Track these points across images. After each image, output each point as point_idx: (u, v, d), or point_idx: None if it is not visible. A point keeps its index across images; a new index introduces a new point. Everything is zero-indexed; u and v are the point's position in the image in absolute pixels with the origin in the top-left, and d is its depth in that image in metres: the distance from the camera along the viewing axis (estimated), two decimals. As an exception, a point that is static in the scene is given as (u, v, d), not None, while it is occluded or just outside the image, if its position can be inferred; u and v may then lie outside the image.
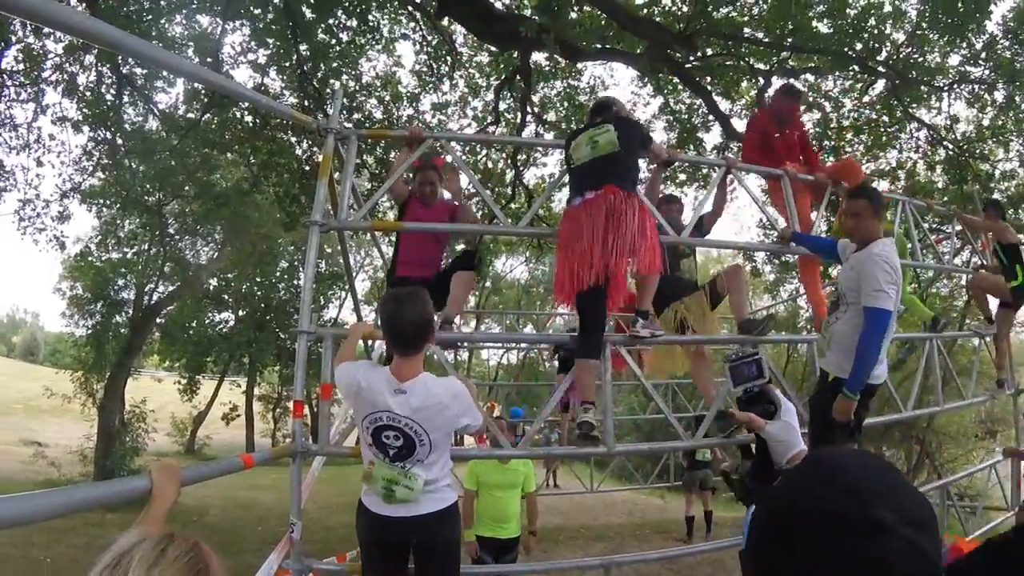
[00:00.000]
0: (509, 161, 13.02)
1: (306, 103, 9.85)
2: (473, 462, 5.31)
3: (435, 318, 3.09)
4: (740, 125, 11.74)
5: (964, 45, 9.33)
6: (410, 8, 11.24)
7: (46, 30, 9.04)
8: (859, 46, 9.29)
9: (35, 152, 11.59)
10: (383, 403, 2.77)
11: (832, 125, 11.59)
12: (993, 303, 6.43)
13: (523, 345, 18.46)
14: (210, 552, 1.29)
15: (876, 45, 9.43)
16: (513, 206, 12.80)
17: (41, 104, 11.12)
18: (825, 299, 5.34)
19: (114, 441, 14.14)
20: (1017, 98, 9.86)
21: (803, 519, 0.77)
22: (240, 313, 23.73)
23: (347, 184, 4.06)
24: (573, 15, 9.56)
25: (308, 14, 9.60)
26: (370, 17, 10.38)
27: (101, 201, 15.60)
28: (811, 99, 12.01)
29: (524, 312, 27.44)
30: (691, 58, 10.32)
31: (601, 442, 3.77)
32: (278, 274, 23.40)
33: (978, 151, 10.86)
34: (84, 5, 8.38)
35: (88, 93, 11.01)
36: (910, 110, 10.71)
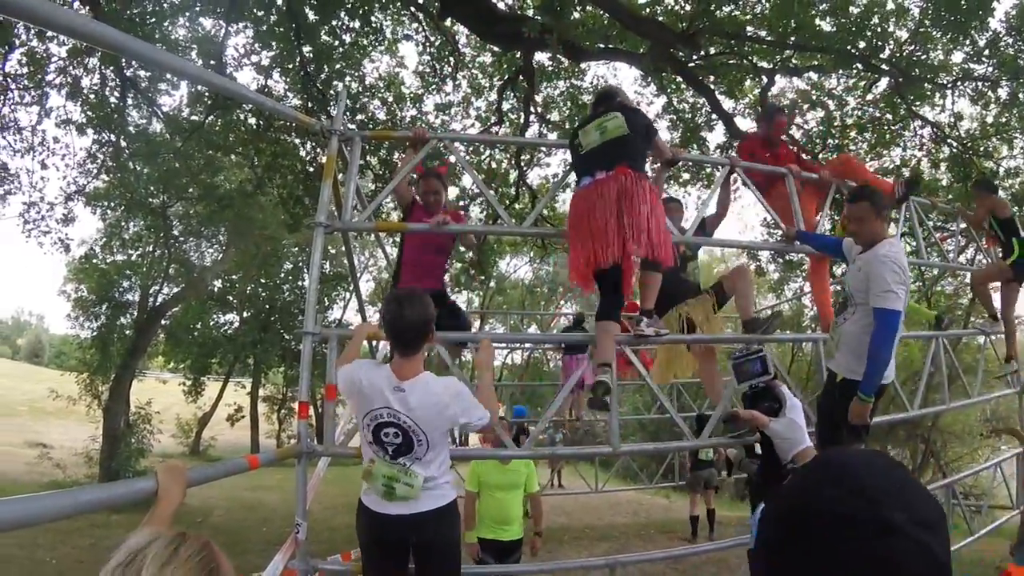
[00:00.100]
0: (513, 161, 13.02)
1: (309, 105, 9.87)
2: (474, 463, 5.31)
3: (434, 317, 3.07)
4: (744, 124, 11.74)
5: (967, 42, 9.30)
6: (413, 9, 11.25)
7: (49, 33, 9.06)
8: (862, 44, 9.27)
9: (39, 155, 11.61)
10: (383, 400, 2.81)
11: (836, 123, 11.57)
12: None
13: (527, 345, 18.43)
14: (220, 552, 1.30)
15: (879, 43, 9.41)
16: (517, 206, 12.79)
17: (45, 107, 11.15)
18: (830, 297, 5.32)
19: (119, 443, 14.15)
20: (1021, 95, 9.82)
21: (813, 519, 0.77)
22: (245, 314, 23.77)
23: (351, 185, 4.07)
24: (576, 15, 9.55)
25: (311, 16, 9.61)
26: (373, 18, 10.39)
27: (105, 203, 15.64)
28: (811, 99, 12.01)
29: (528, 312, 27.46)
30: (694, 57, 10.31)
31: (605, 439, 3.76)
32: (282, 275, 23.42)
33: (982, 148, 10.83)
34: (87, 8, 8.41)
35: (92, 96, 11.04)
36: (913, 108, 10.68)
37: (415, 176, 4.72)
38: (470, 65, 12.72)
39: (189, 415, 23.50)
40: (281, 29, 9.47)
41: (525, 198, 13.17)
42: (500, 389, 19.53)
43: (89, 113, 11.11)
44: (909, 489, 0.78)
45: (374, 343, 4.97)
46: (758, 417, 3.66)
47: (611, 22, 9.49)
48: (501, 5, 10.25)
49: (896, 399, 5.14)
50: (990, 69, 9.69)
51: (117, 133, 11.24)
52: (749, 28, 9.97)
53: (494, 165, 13.00)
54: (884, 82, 10.73)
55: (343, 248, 4.93)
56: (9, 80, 10.41)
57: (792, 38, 9.55)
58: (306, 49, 9.78)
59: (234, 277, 22.67)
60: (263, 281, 23.02)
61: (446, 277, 4.67)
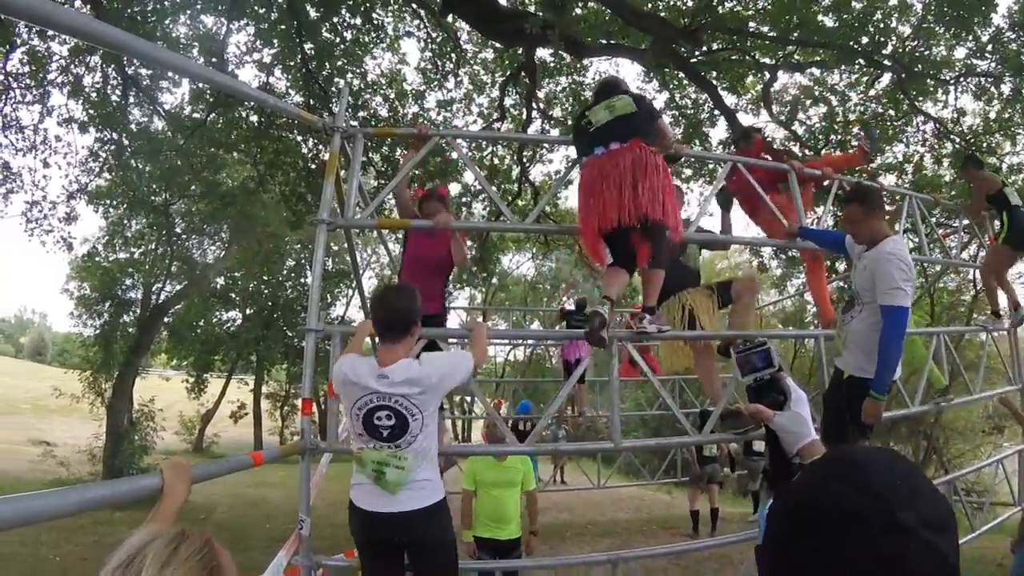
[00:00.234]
0: (515, 158, 13.02)
1: (311, 102, 9.86)
2: (470, 460, 5.28)
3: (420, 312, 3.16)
4: (746, 120, 11.72)
5: (970, 38, 9.27)
6: (414, 5, 11.24)
7: (50, 32, 9.07)
8: (865, 40, 9.24)
9: (41, 154, 11.62)
10: (368, 388, 2.87)
11: (838, 119, 11.55)
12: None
13: (530, 341, 18.46)
14: (221, 549, 1.30)
15: (882, 39, 9.39)
16: (520, 203, 12.79)
17: (47, 106, 11.16)
18: (829, 297, 5.30)
19: (123, 440, 14.19)
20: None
21: (821, 516, 0.77)
22: (247, 311, 23.81)
23: (354, 182, 4.07)
24: (577, 11, 9.53)
25: (312, 13, 9.60)
26: (374, 15, 10.38)
27: (108, 201, 15.69)
28: (814, 95, 11.99)
29: (531, 308, 27.50)
30: (696, 53, 10.29)
31: (607, 435, 3.77)
32: (285, 272, 23.47)
33: (985, 144, 10.80)
34: (89, 7, 8.41)
35: (94, 94, 11.04)
36: (916, 103, 10.65)
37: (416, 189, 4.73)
38: (472, 61, 12.72)
39: (192, 412, 23.56)
40: (283, 26, 9.46)
41: (527, 194, 13.17)
42: (503, 386, 19.56)
43: (91, 111, 11.11)
44: (919, 488, 0.78)
45: (377, 340, 4.97)
46: (762, 411, 3.63)
47: (613, 18, 9.48)
48: (503, 1, 10.24)
49: (898, 395, 5.13)
50: (993, 65, 9.66)
51: (119, 131, 11.23)
52: (751, 24, 9.95)
53: (496, 161, 12.99)
54: (887, 78, 10.70)
55: (345, 245, 4.91)
56: (11, 79, 10.41)
57: (794, 34, 9.53)
58: (308, 46, 9.77)
59: (237, 274, 22.73)
60: (266, 278, 23.09)
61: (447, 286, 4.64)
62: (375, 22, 10.54)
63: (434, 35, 11.82)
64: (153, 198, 15.54)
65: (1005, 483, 6.83)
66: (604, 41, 9.99)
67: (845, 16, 9.14)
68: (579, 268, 20.50)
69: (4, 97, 10.51)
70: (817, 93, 11.93)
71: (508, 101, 12.30)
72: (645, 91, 12.63)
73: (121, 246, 19.34)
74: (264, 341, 22.31)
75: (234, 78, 8.63)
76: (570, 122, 11.77)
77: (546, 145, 13.29)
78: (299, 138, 10.77)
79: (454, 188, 12.91)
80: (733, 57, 10.92)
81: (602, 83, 4.33)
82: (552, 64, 12.08)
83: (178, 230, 18.99)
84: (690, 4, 9.77)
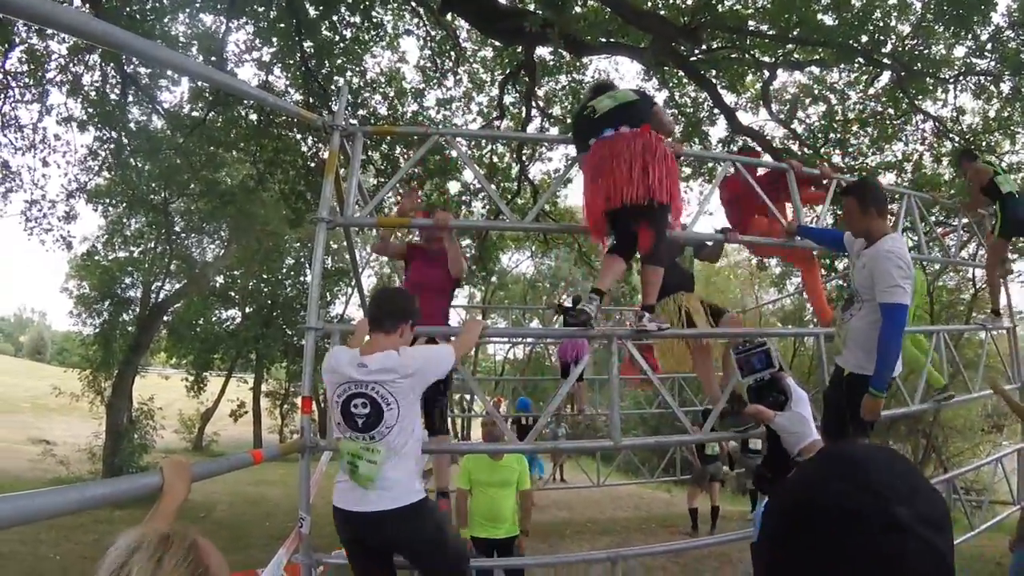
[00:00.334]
0: (514, 156, 13.01)
1: (311, 100, 9.86)
2: (465, 459, 5.27)
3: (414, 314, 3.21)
4: (745, 118, 11.73)
5: (970, 37, 9.26)
6: (413, 3, 11.24)
7: (49, 31, 9.06)
8: (864, 38, 9.24)
9: (40, 152, 11.64)
10: (347, 376, 2.89)
11: (837, 118, 11.55)
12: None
13: (529, 340, 18.45)
14: (209, 549, 1.28)
15: (881, 37, 9.38)
16: (519, 201, 12.79)
17: (46, 105, 11.17)
18: (824, 296, 5.29)
19: (122, 439, 14.18)
20: (1023, 89, 9.80)
21: (819, 514, 0.77)
22: (247, 310, 23.80)
23: (353, 181, 4.07)
24: (577, 9, 9.53)
25: (312, 11, 9.59)
26: (373, 13, 10.38)
27: (107, 200, 15.70)
28: (813, 93, 11.99)
29: (530, 307, 27.46)
30: (696, 51, 10.28)
31: (606, 433, 3.77)
32: (284, 271, 23.46)
33: (984, 143, 10.80)
34: (88, 6, 8.40)
35: (93, 93, 11.04)
36: (916, 102, 10.65)
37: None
38: (471, 60, 12.72)
39: (192, 411, 23.54)
40: (282, 25, 9.46)
41: (527, 193, 13.17)
42: (502, 384, 19.57)
43: (90, 110, 11.10)
44: (916, 486, 0.78)
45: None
46: (763, 412, 3.63)
47: (612, 16, 9.47)
48: (502, 0, 10.23)
49: (898, 394, 5.14)
50: (992, 64, 9.66)
51: (118, 130, 11.23)
52: (751, 22, 9.94)
53: (495, 160, 12.99)
54: (886, 76, 10.71)
55: (345, 243, 4.91)
56: (10, 78, 10.41)
57: (794, 32, 9.53)
58: (307, 45, 9.77)
59: (236, 273, 22.72)
60: (265, 277, 23.08)
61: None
62: (374, 20, 10.54)
63: (433, 33, 11.82)
64: (152, 197, 15.54)
65: (1004, 482, 6.83)
66: (604, 39, 9.99)
67: (845, 15, 9.14)
68: (578, 266, 20.47)
69: (3, 96, 10.50)
70: (816, 92, 11.94)
71: (507, 99, 12.31)
72: (644, 89, 12.65)
73: (120, 245, 19.36)
74: (263, 339, 22.30)
75: (234, 77, 8.64)
76: (569, 121, 11.82)
77: (545, 143, 13.30)
78: (298, 136, 10.77)
79: (453, 186, 12.93)
80: (732, 55, 10.92)
81: (596, 84, 4.41)
82: (551, 62, 12.08)
83: (177, 229, 18.99)
84: (689, 2, 9.76)
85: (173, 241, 18.47)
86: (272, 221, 17.10)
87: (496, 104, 12.25)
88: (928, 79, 10.04)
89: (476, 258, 14.21)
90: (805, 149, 10.86)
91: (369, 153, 10.29)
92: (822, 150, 10.94)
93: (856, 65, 10.58)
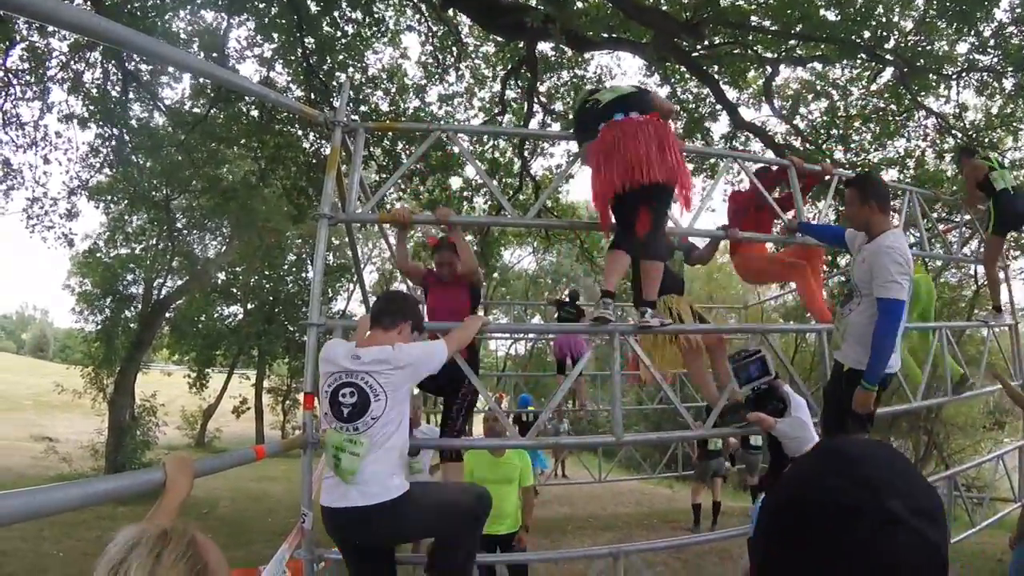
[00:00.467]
0: (516, 151, 13.01)
1: (312, 96, 9.86)
2: (467, 455, 5.28)
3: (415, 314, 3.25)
4: (748, 114, 11.71)
5: (972, 33, 9.23)
6: None
7: (50, 28, 9.05)
8: (867, 34, 9.21)
9: (42, 150, 11.61)
10: (340, 366, 2.93)
11: (840, 114, 11.52)
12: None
13: (531, 336, 18.43)
14: (208, 545, 1.28)
15: (884, 33, 9.35)
16: (521, 197, 12.79)
17: (47, 102, 11.15)
18: (823, 299, 5.26)
19: (125, 435, 14.21)
20: (1026, 86, 9.78)
21: (816, 510, 0.77)
22: (249, 306, 23.78)
23: (355, 177, 4.07)
24: (579, 4, 9.51)
25: (313, 7, 9.58)
26: (375, 9, 10.37)
27: (109, 197, 15.66)
28: (815, 89, 11.96)
29: (532, 303, 27.44)
30: (698, 47, 10.27)
31: (608, 429, 3.77)
32: (286, 267, 23.43)
33: (987, 139, 10.77)
34: (89, 3, 8.39)
35: (94, 90, 11.03)
36: (918, 98, 10.62)
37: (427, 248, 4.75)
38: (473, 55, 12.71)
39: (194, 407, 23.59)
40: (283, 21, 9.45)
41: (528, 189, 13.16)
42: (504, 379, 19.57)
43: (91, 107, 11.09)
44: (910, 479, 0.78)
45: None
46: (765, 419, 3.66)
47: (614, 11, 9.45)
48: (503, -5, 10.22)
49: (900, 390, 5.14)
50: (995, 60, 9.62)
51: (119, 127, 11.23)
52: (753, 18, 9.91)
53: (497, 155, 12.98)
54: (888, 72, 10.68)
55: (347, 239, 4.91)
56: (11, 75, 10.40)
57: (796, 28, 9.49)
58: (308, 41, 9.75)
59: (238, 269, 22.70)
60: (267, 273, 23.05)
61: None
62: (376, 16, 10.53)
63: (435, 29, 11.81)
64: (154, 194, 15.54)
65: (1005, 479, 6.83)
66: (605, 35, 9.98)
67: (847, 10, 9.11)
68: (580, 262, 20.47)
69: (4, 93, 10.49)
70: (819, 87, 11.91)
71: (509, 95, 12.29)
72: (646, 84, 12.63)
73: (122, 242, 19.36)
74: (265, 336, 22.28)
75: (235, 73, 8.63)
76: (571, 116, 11.80)
77: (547, 139, 13.28)
78: (300, 133, 10.76)
79: (455, 182, 12.93)
80: (735, 51, 10.88)
81: (593, 87, 4.46)
82: (553, 58, 12.07)
83: (179, 225, 18.97)
84: (692, -2, 9.75)
85: (175, 238, 18.47)
86: (274, 217, 17.08)
87: (498, 100, 12.24)
88: (930, 75, 10.01)
89: (478, 254, 14.21)
90: (807, 145, 10.84)
91: (371, 149, 10.30)
92: (824, 146, 10.92)
93: (858, 61, 10.55)
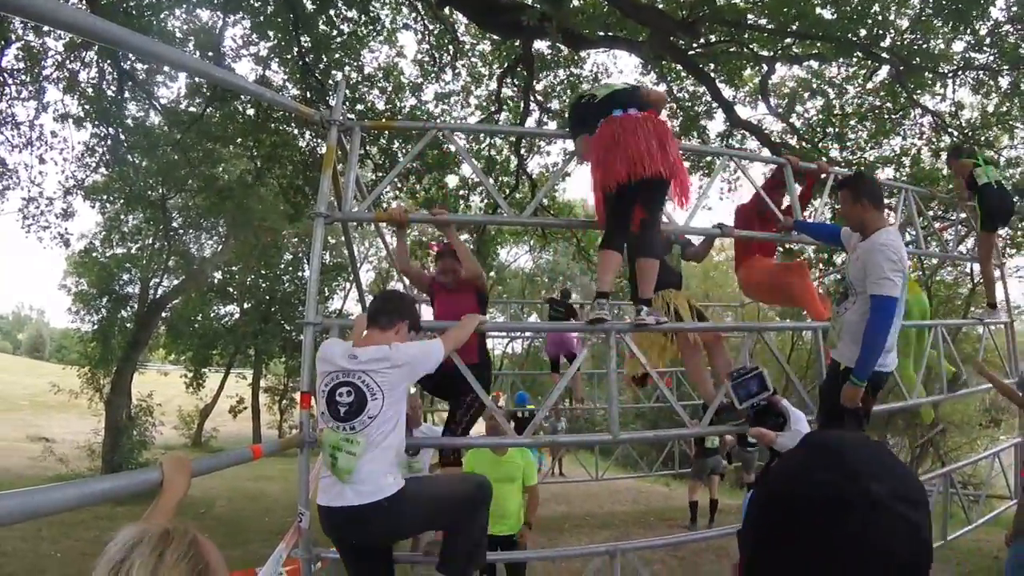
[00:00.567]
0: (512, 149, 13.00)
1: (308, 95, 9.84)
2: (468, 455, 5.23)
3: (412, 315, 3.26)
4: (744, 112, 11.71)
5: (968, 31, 9.25)
6: (411, -2, 11.23)
7: (46, 28, 9.02)
8: (863, 32, 9.23)
9: (37, 150, 11.60)
10: (338, 365, 2.93)
11: (836, 112, 11.54)
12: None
13: (527, 334, 18.47)
14: (209, 546, 1.28)
15: (880, 31, 9.36)
16: (517, 195, 12.78)
17: (42, 101, 11.12)
18: (818, 300, 5.27)
19: (122, 435, 14.18)
20: (1022, 84, 9.79)
21: (806, 504, 0.78)
22: (245, 306, 23.73)
23: (351, 175, 4.07)
24: (575, 3, 9.52)
25: (309, 6, 9.58)
26: (371, 7, 10.36)
27: (104, 197, 15.62)
28: (811, 87, 11.98)
29: (528, 301, 27.46)
30: (694, 45, 10.28)
31: (605, 427, 3.77)
32: (283, 266, 23.39)
33: (983, 138, 10.79)
34: (84, 3, 8.37)
35: (89, 89, 11.01)
36: (914, 96, 10.65)
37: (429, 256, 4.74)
38: (469, 54, 12.69)
39: (191, 407, 23.52)
40: (279, 19, 9.43)
41: (525, 187, 13.16)
42: (501, 378, 19.58)
43: (87, 107, 11.08)
44: (891, 467, 0.80)
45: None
46: (766, 434, 3.66)
47: (611, 9, 9.45)
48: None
49: (895, 388, 5.15)
50: (991, 58, 9.65)
51: (115, 126, 11.21)
52: (749, 16, 9.93)
53: (494, 153, 12.97)
54: (884, 70, 10.70)
55: (343, 238, 4.91)
56: (6, 75, 10.37)
57: (792, 26, 9.51)
58: (304, 39, 9.74)
59: (234, 268, 22.67)
60: (263, 272, 23.00)
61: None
62: (372, 15, 10.52)
63: (431, 27, 11.79)
64: (150, 193, 15.52)
65: (1001, 476, 6.85)
66: (602, 33, 9.98)
67: (843, 9, 9.12)
68: (576, 261, 20.47)
69: (0, 93, 10.47)
70: (815, 86, 11.92)
71: (506, 93, 12.29)
72: (643, 83, 12.64)
73: (118, 241, 19.33)
74: (262, 335, 22.25)
75: (231, 72, 8.62)
76: (567, 115, 11.79)
77: (544, 138, 13.27)
78: (296, 131, 10.75)
79: (451, 180, 12.92)
80: (731, 49, 10.90)
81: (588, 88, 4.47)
82: (550, 56, 12.06)
83: (175, 225, 18.98)
84: (688, -4, 9.76)
85: (171, 237, 18.46)
86: (270, 216, 17.07)
87: (494, 98, 12.23)
88: (927, 73, 10.03)
89: (475, 252, 14.20)
90: (803, 143, 10.86)
91: (367, 148, 10.28)
92: (820, 144, 10.93)
93: (855, 59, 10.57)
